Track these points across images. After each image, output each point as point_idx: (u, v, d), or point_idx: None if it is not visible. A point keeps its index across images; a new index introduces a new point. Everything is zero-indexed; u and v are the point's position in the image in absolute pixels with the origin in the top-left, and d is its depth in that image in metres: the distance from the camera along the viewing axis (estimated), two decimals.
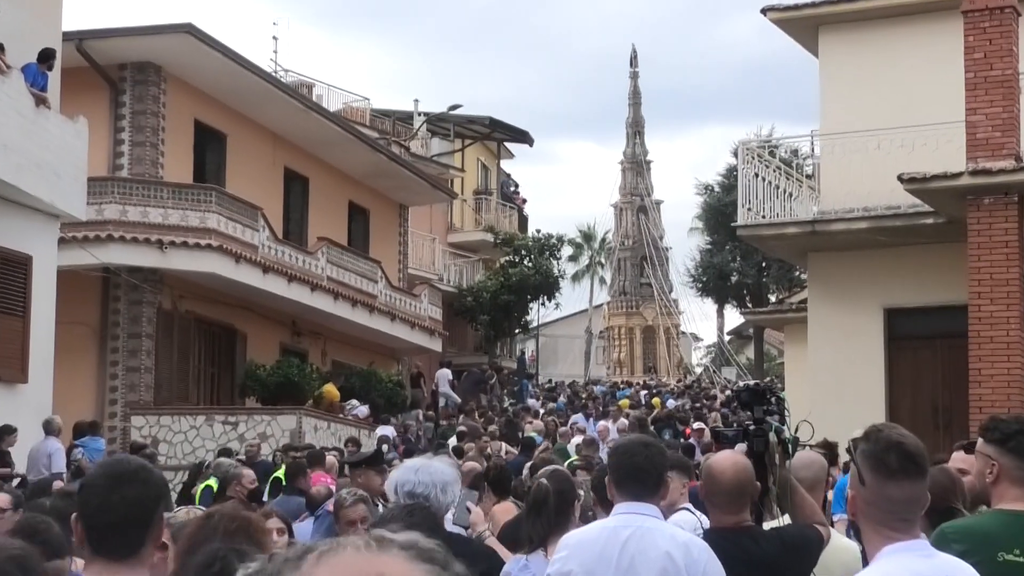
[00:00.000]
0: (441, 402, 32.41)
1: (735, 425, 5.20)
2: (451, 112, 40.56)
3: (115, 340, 22.89)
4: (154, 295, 23.21)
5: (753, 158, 19.51)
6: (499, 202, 45.95)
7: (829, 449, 13.04)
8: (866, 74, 19.03)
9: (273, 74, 31.14)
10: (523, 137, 45.83)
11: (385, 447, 18.49)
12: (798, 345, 22.48)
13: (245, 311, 25.75)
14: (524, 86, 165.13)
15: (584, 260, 63.28)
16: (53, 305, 18.19)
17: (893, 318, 18.45)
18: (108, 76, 23.48)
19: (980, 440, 4.27)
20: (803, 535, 4.76)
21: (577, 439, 20.42)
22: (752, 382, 5.36)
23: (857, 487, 3.27)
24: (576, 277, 62.27)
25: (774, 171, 19.66)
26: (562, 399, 35.83)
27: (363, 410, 26.05)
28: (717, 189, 53.38)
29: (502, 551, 5.95)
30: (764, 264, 50.49)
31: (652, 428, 22.98)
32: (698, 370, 58.04)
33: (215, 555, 3.31)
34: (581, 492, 6.06)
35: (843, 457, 11.83)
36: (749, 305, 48.57)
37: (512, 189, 49.72)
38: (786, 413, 5.09)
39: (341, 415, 24.90)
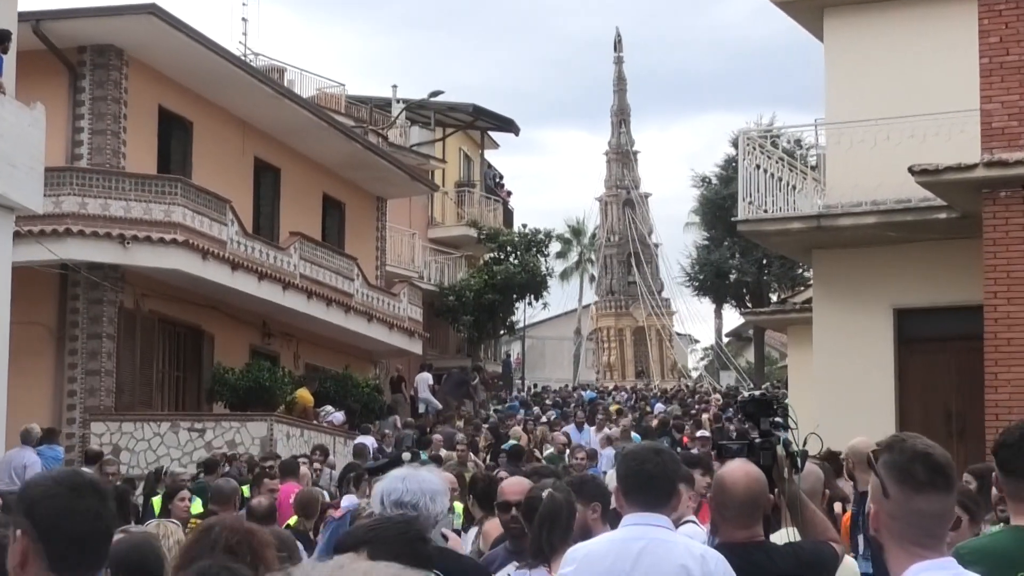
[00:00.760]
0: (421, 408, 32.39)
1: (735, 436, 5.21)
2: (432, 99, 40.51)
3: (73, 341, 22.81)
4: (115, 293, 23.13)
5: (754, 148, 19.52)
6: (483, 195, 45.92)
7: (833, 460, 13.05)
8: (874, 59, 19.04)
9: (242, 58, 31.07)
10: (508, 126, 45.84)
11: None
12: (802, 348, 22.49)
13: (212, 311, 25.69)
14: (509, 71, 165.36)
15: (573, 257, 63.45)
16: (7, 304, 18.07)
17: (903, 319, 18.46)
18: (66, 60, 23.39)
19: None
20: (818, 551, 4.76)
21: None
22: (758, 392, 5.36)
23: (880, 500, 3.25)
24: (565, 275, 62.45)
25: (776, 162, 19.68)
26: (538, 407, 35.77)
27: (338, 416, 26.02)
28: (715, 181, 53.43)
29: None
30: (765, 261, 50.54)
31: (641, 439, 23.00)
32: (695, 374, 58.16)
33: (206, 572, 3.27)
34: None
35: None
36: (749, 305, 48.63)
37: (497, 181, 49.70)
38: (792, 424, 5.09)
39: (315, 422, 24.87)
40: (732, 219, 21.46)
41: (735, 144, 32.95)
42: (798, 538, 4.87)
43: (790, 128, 39.90)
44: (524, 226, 44.71)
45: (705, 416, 30.48)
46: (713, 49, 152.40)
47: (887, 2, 19.16)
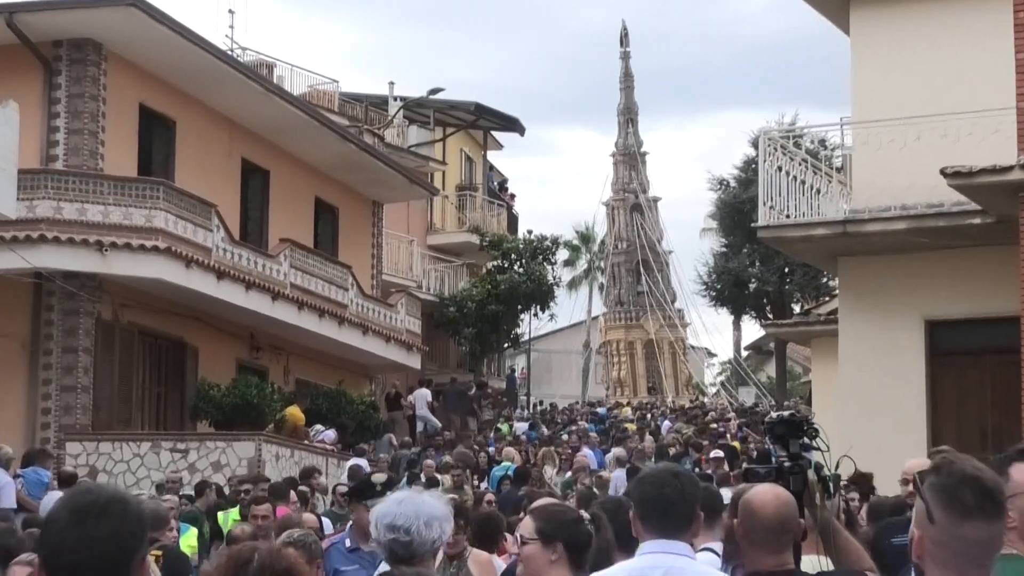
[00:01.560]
0: (419, 426, 32.36)
1: (756, 457, 5.18)
2: (431, 97, 40.56)
3: (48, 355, 22.78)
4: (92, 304, 23.10)
5: (775, 149, 19.51)
6: (485, 199, 45.97)
7: (863, 482, 12.99)
8: (904, 53, 19.03)
9: (229, 52, 31.08)
10: (513, 125, 45.88)
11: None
12: (826, 362, 22.48)
13: (196, 323, 25.67)
14: (513, 67, 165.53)
15: (582, 265, 63.46)
16: None
17: (935, 331, 18.44)
18: (41, 55, 23.38)
19: None
20: None
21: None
22: (787, 412, 5.33)
23: (925, 526, 3.21)
24: (573, 284, 62.46)
25: (799, 164, 19.67)
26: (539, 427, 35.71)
27: (330, 435, 25.98)
28: (733, 184, 53.47)
29: None
30: (787, 269, 50.58)
31: (651, 461, 22.95)
32: (711, 390, 58.11)
33: None
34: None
35: (882, 491, 11.77)
36: (770, 316, 48.64)
37: (500, 184, 49.75)
38: (822, 446, 5.07)
39: (306, 441, 24.84)
40: (752, 225, 21.46)
41: (755, 144, 32.99)
42: (830, 567, 4.84)
43: (814, 127, 40.03)
44: (529, 232, 44.80)
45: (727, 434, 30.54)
46: (729, 42, 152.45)
47: None
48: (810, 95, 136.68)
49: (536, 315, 44.89)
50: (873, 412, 17.89)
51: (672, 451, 25.52)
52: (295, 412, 25.46)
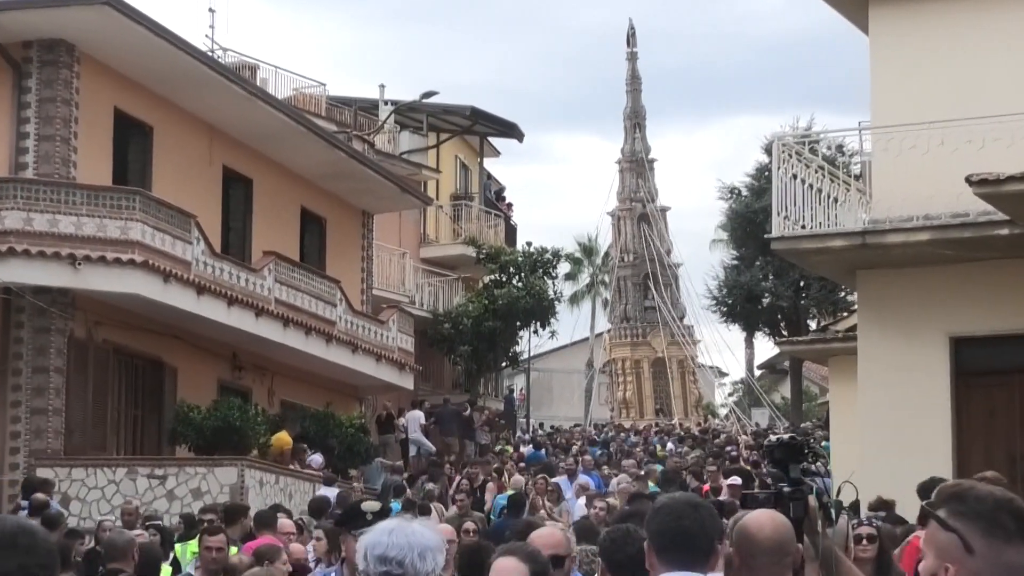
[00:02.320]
0: (412, 450, 32.35)
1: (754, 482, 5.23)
2: (424, 101, 40.64)
3: (17, 376, 22.78)
4: (65, 321, 23.11)
5: (790, 156, 19.51)
6: (482, 209, 45.98)
7: (885, 508, 13.00)
8: (927, 54, 19.04)
9: (209, 54, 31.13)
10: (511, 131, 45.94)
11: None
12: (845, 382, 22.45)
13: (175, 341, 25.68)
14: (511, 69, 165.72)
15: (585, 279, 63.56)
16: None
17: (960, 349, 18.42)
18: (10, 56, 23.45)
19: None
20: None
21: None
22: (787, 435, 5.37)
23: (961, 559, 3.17)
24: (575, 299, 62.54)
25: (815, 171, 19.67)
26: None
27: (317, 459, 26.02)
28: (745, 193, 53.51)
29: None
30: (803, 283, 50.59)
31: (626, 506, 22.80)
32: (722, 411, 58.13)
33: None
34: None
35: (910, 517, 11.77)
36: (784, 333, 48.66)
37: (497, 193, 49.77)
38: (824, 472, 5.10)
39: (293, 466, 24.83)
40: (765, 236, 21.43)
41: (768, 151, 32.99)
42: None
43: (831, 133, 39.90)
44: (528, 244, 44.78)
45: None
46: (741, 43, 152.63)
47: None
48: (827, 98, 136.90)
49: (536, 332, 44.97)
50: (895, 435, 17.87)
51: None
52: (284, 437, 25.53)
